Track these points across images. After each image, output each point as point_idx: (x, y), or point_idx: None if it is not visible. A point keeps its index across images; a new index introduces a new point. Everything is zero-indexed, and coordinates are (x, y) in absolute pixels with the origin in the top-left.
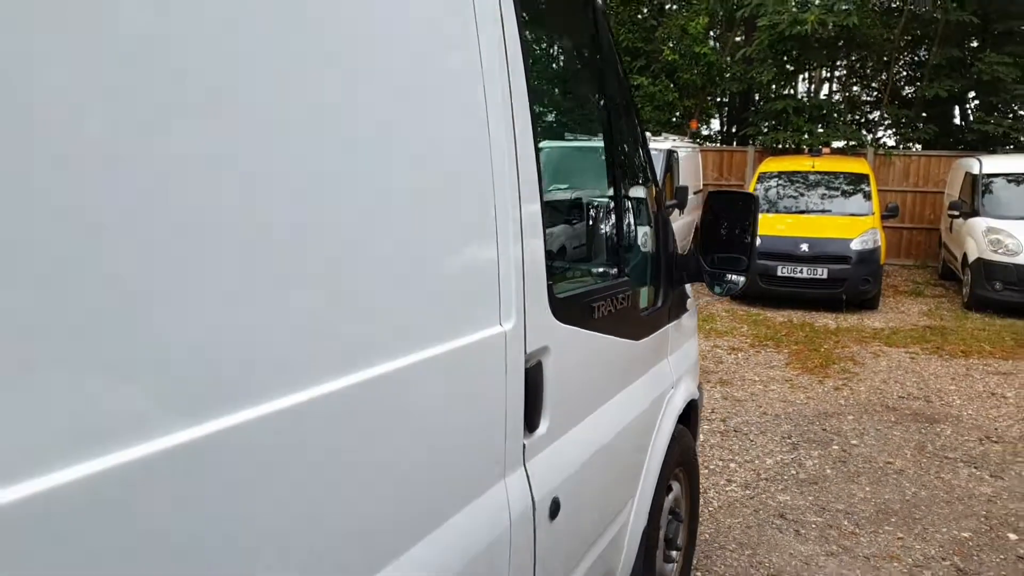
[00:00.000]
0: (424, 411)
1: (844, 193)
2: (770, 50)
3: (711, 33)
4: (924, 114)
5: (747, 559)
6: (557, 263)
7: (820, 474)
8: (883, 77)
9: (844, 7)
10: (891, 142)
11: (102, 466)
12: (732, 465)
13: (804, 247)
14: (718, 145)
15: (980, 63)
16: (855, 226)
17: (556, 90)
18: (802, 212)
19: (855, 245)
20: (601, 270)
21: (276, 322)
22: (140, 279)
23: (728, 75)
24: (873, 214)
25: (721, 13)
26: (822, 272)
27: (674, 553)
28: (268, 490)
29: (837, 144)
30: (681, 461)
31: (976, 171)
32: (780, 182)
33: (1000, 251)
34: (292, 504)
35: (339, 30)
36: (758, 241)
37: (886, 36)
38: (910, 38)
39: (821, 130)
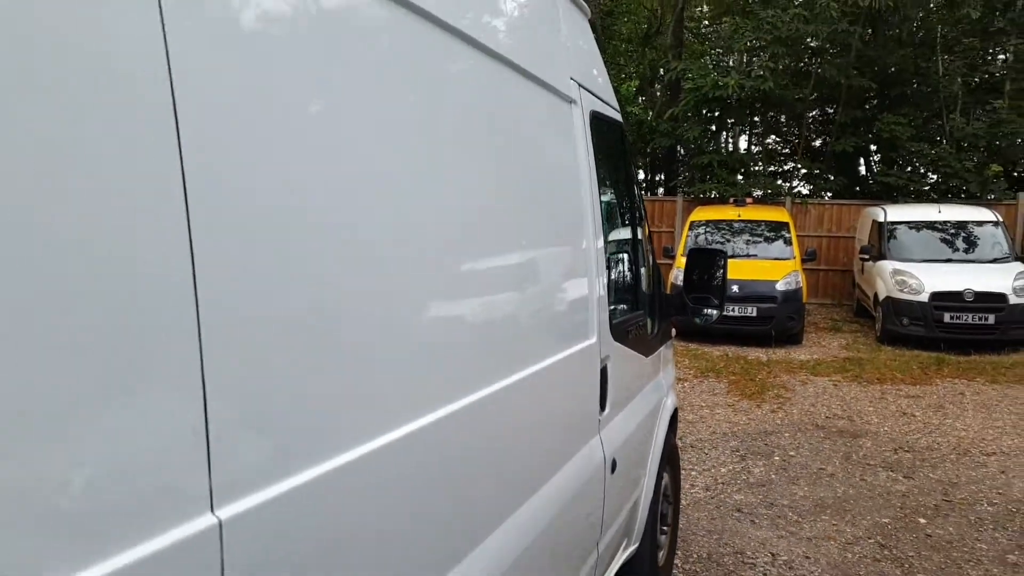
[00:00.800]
0: (556, 394)
1: (767, 239)
2: (695, 109)
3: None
4: (834, 166)
5: (715, 542)
6: (611, 301)
7: (766, 479)
8: (796, 132)
9: (760, 73)
10: (805, 191)
11: (340, 462)
12: (693, 473)
13: (735, 288)
14: (647, 195)
15: (880, 122)
16: (779, 269)
17: (606, 183)
18: (731, 257)
19: (780, 286)
20: (628, 306)
21: (467, 341)
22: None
23: (657, 131)
24: (794, 258)
25: (649, 75)
26: (752, 311)
27: (665, 528)
28: (469, 451)
29: (757, 193)
30: (669, 456)
31: (882, 219)
32: (709, 229)
33: (905, 290)
34: (489, 452)
35: (508, 139)
36: (671, 290)
37: (798, 96)
38: (817, 96)
39: (742, 180)
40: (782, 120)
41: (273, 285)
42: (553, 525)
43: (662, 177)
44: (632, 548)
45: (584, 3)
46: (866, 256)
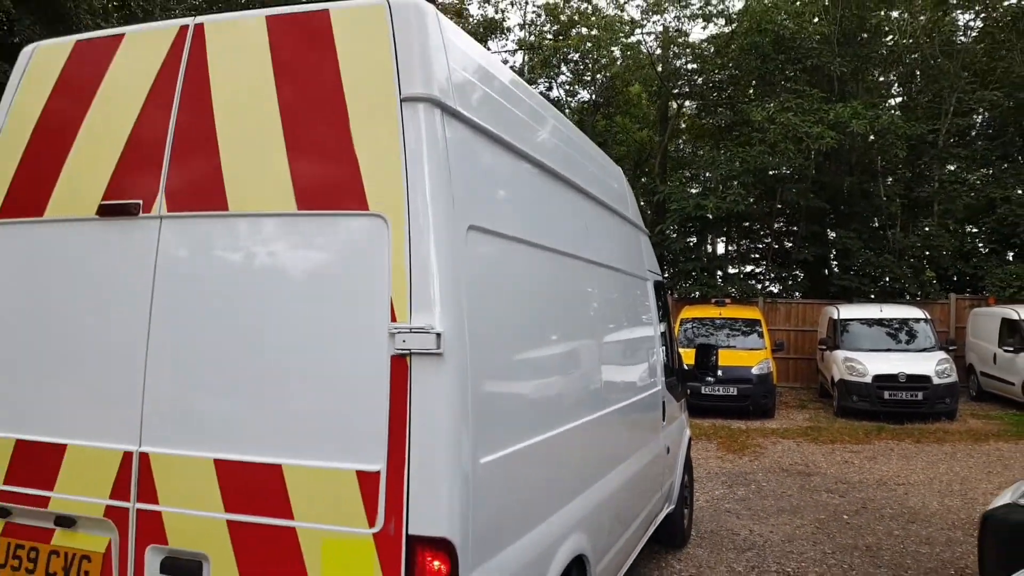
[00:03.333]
0: (645, 410)
1: (744, 332)
2: (679, 226)
3: None
4: (799, 271)
5: (715, 525)
6: (664, 371)
7: (746, 496)
8: (767, 238)
9: (733, 197)
10: (776, 289)
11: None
12: (697, 493)
13: (719, 373)
14: None
15: (835, 235)
16: (753, 357)
17: (659, 313)
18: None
19: (755, 370)
20: (669, 373)
21: (617, 383)
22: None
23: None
24: (766, 348)
25: (640, 197)
26: (733, 390)
27: (685, 510)
28: (615, 426)
29: (733, 292)
30: (687, 465)
31: (836, 316)
32: (695, 325)
33: (854, 374)
34: (623, 427)
35: (630, 297)
36: (685, 367)
37: (766, 210)
38: (784, 215)
39: (720, 282)
40: (754, 227)
41: (579, 372)
42: (644, 468)
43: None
44: (671, 507)
45: (646, 229)
46: (823, 347)
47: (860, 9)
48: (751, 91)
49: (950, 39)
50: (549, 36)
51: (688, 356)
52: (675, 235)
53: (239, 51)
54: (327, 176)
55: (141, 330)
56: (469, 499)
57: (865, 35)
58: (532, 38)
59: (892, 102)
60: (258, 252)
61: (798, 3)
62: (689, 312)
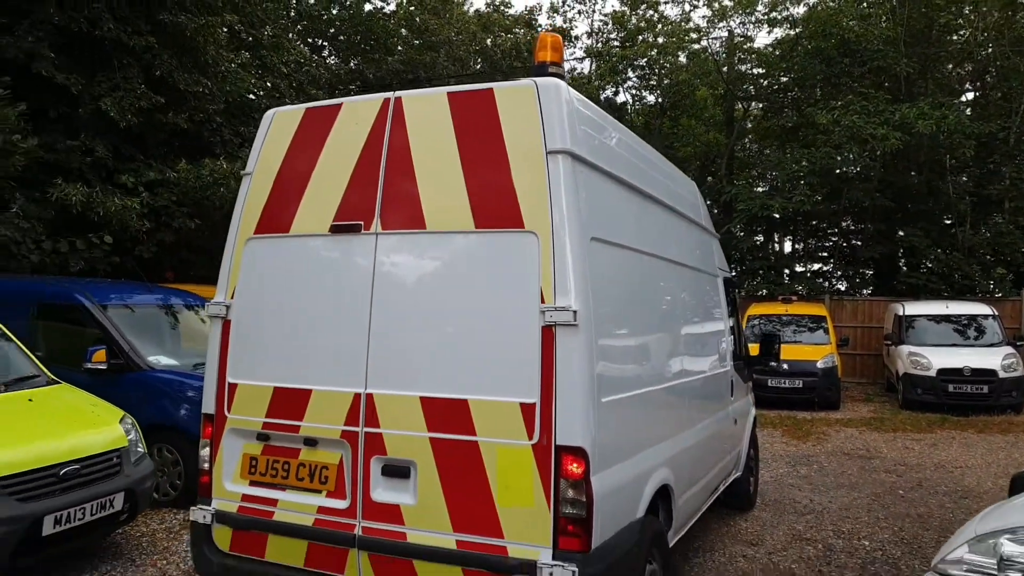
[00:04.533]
0: (717, 382)
1: (809, 328)
2: (746, 226)
3: None
4: (863, 269)
5: (778, 496)
6: (732, 354)
7: (808, 475)
8: (833, 240)
9: (799, 198)
10: (843, 287)
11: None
12: (764, 472)
13: (785, 366)
14: None
15: (903, 233)
16: (819, 351)
17: (728, 306)
18: (781, 343)
19: (820, 364)
20: (736, 356)
21: (702, 360)
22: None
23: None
24: (831, 343)
25: (708, 198)
26: (798, 383)
27: (752, 479)
28: (694, 397)
29: (800, 289)
30: (753, 440)
31: (901, 312)
32: (762, 322)
33: (919, 368)
34: (705, 390)
35: (707, 292)
36: (751, 355)
37: (834, 209)
38: (851, 214)
39: (787, 280)
40: (821, 226)
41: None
42: (715, 431)
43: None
44: (738, 473)
45: (715, 232)
46: (889, 342)
47: (929, 8)
48: (817, 92)
49: (1021, 37)
50: (616, 43)
51: (755, 349)
52: (742, 234)
53: (428, 116)
54: (495, 205)
55: (364, 311)
56: (595, 424)
57: (934, 32)
58: (599, 46)
59: (965, 98)
60: (447, 257)
61: (864, 5)
62: (757, 309)
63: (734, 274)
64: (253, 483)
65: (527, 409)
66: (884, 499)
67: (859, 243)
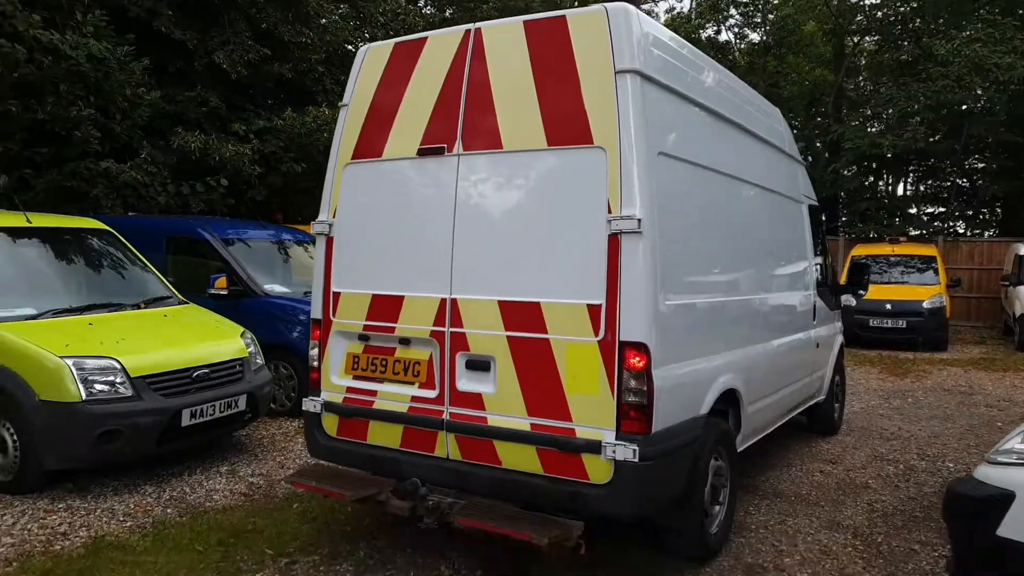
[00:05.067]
0: (799, 305)
1: (918, 269)
2: (855, 165)
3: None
4: (984, 210)
5: (866, 424)
6: (816, 281)
7: (901, 407)
8: (951, 180)
9: (912, 135)
10: (961, 228)
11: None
12: (854, 403)
13: (888, 306)
14: None
15: None
16: (926, 292)
17: (815, 233)
18: (886, 283)
19: (926, 304)
20: (822, 283)
21: (771, 274)
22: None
23: (821, 183)
24: (939, 283)
25: (814, 136)
26: (902, 323)
27: (837, 404)
28: (768, 314)
29: (912, 231)
30: (838, 368)
31: (1021, 252)
32: (866, 262)
33: None
34: (788, 308)
35: (791, 218)
36: (854, 303)
37: (952, 147)
38: (971, 151)
39: (898, 221)
40: (938, 165)
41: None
42: (793, 350)
43: (824, 220)
44: (821, 397)
45: (803, 161)
46: (1006, 283)
47: None
48: (940, 22)
49: None
50: None
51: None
52: (850, 174)
53: (506, 44)
54: (566, 124)
55: (448, 225)
56: (657, 323)
57: None
58: None
59: None
60: (522, 174)
61: None
62: (861, 250)
63: (842, 218)
64: (356, 377)
65: (594, 310)
66: (979, 430)
67: (982, 182)
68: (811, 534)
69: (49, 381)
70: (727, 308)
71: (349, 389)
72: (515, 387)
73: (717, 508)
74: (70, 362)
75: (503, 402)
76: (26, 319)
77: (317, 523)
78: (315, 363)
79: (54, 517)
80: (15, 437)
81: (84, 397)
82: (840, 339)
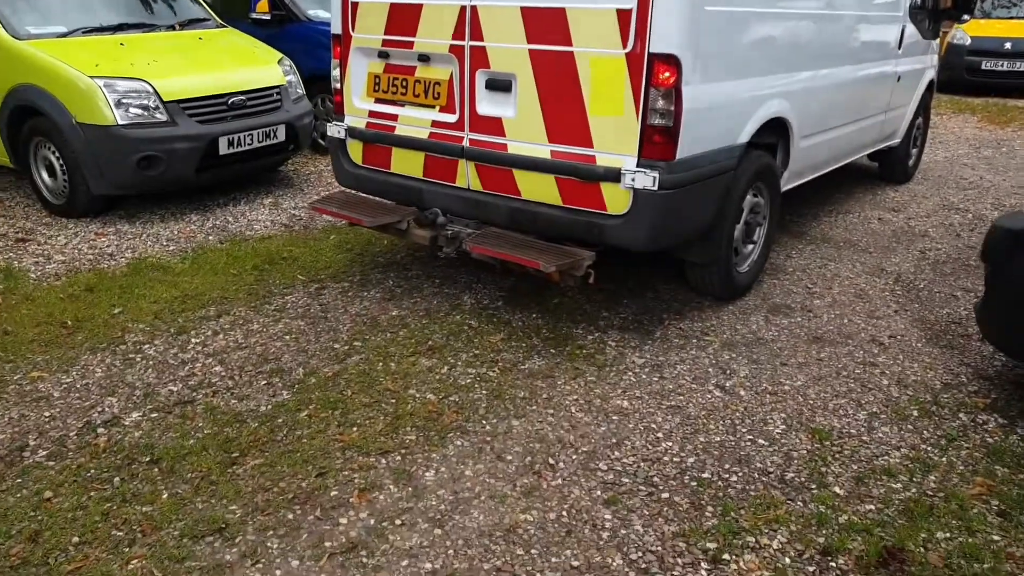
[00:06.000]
0: (886, 32)
1: None
2: None
3: None
4: None
5: (946, 173)
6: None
7: (991, 157)
8: None
9: None
10: None
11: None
12: (938, 152)
13: (1008, 45)
14: None
15: None
16: None
17: None
18: (1008, 18)
19: None
20: (921, 6)
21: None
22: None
23: None
24: None
25: None
26: (1021, 65)
27: (913, 151)
28: (835, 35)
29: None
30: (924, 107)
31: None
32: None
33: None
34: (840, 41)
35: None
36: (967, 42)
37: None
38: None
39: None
40: None
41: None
42: (864, 81)
43: None
44: (895, 141)
45: None
46: None
47: None
48: None
49: None
50: None
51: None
52: None
53: None
54: None
55: None
56: (693, 32)
57: None
58: None
59: None
60: None
61: None
62: None
63: None
64: (378, 100)
65: (623, 16)
66: None
67: None
68: (850, 278)
69: (83, 102)
70: (783, 21)
71: (371, 113)
72: (536, 109)
73: (750, 247)
74: (101, 83)
75: (523, 127)
76: (56, 37)
77: (351, 253)
78: (337, 84)
79: (103, 240)
80: (61, 160)
81: (119, 121)
82: (930, 76)
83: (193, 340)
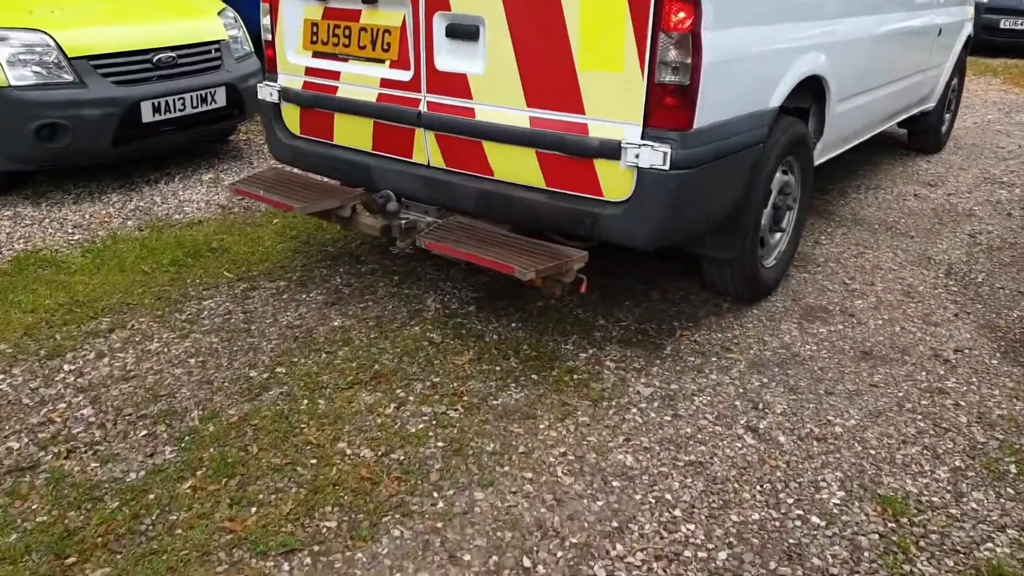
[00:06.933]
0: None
1: None
2: None
3: None
4: None
5: (978, 140)
6: None
7: (1021, 123)
8: None
9: None
10: None
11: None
12: (966, 117)
13: None
14: None
15: None
16: None
17: None
18: None
19: None
20: None
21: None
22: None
23: None
24: None
25: None
26: None
27: (947, 115)
28: (913, 35)
29: None
30: (959, 66)
31: None
32: None
33: None
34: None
35: None
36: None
37: None
38: None
39: None
40: None
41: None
42: (906, 34)
43: None
44: (929, 105)
45: None
46: None
47: None
48: None
49: None
50: None
51: None
52: None
53: None
54: None
55: None
56: None
57: None
58: None
59: None
60: None
61: None
62: None
63: None
64: (316, 55)
65: None
66: None
67: None
68: (893, 271)
69: None
70: None
71: (308, 71)
72: (511, 63)
73: (778, 236)
74: None
75: (495, 87)
76: None
77: (296, 242)
78: (268, 36)
79: None
80: None
81: (12, 82)
82: (969, 29)
83: (65, 368)
